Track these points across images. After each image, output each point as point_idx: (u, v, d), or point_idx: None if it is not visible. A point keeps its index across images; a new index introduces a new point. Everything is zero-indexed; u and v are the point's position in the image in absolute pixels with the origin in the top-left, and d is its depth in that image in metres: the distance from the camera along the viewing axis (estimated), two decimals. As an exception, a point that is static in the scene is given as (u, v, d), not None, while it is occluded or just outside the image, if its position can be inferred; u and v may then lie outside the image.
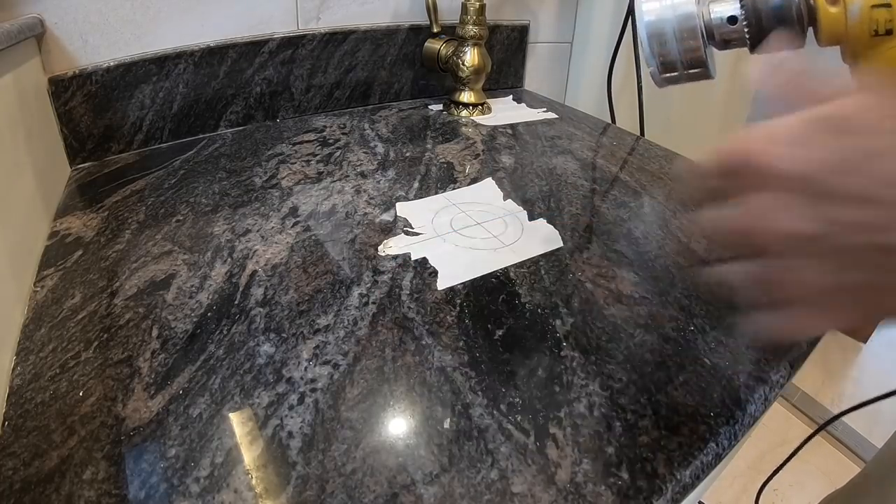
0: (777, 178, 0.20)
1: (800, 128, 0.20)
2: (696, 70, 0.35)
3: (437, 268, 0.41)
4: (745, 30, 0.32)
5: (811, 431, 0.77)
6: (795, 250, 0.20)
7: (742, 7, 0.32)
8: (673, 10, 0.33)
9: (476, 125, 0.72)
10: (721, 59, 0.37)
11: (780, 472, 0.84)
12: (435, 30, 0.76)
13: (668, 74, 0.35)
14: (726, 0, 0.33)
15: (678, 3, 0.33)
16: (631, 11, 0.84)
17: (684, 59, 0.34)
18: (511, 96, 0.87)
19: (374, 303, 0.37)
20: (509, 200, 0.52)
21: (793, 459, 0.82)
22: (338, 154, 0.61)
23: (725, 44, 0.34)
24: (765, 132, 0.21)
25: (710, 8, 0.33)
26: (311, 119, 0.72)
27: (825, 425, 0.74)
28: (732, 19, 0.32)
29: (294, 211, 0.48)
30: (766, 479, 0.87)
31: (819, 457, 1.16)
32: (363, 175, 0.56)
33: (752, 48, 0.33)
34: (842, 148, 0.19)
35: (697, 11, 0.33)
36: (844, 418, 0.76)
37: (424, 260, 0.41)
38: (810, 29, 0.32)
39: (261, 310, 0.36)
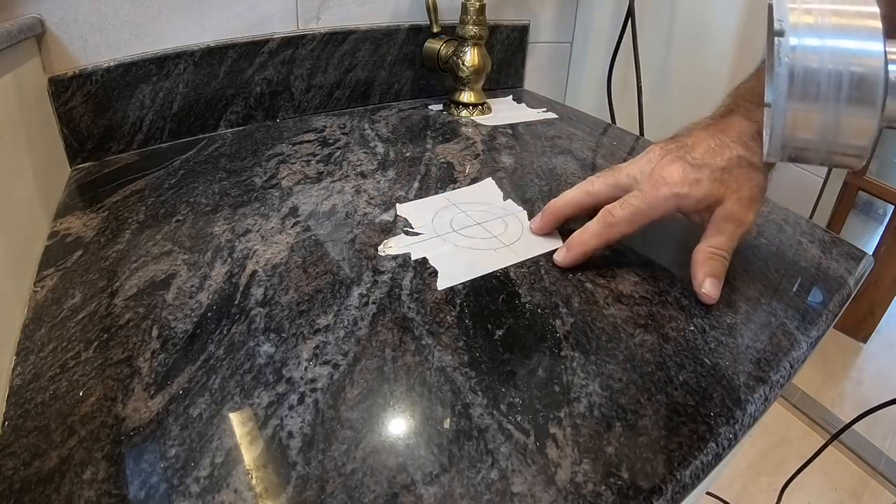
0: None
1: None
2: (838, 165, 0.25)
3: (437, 268, 0.41)
4: None
5: (811, 432, 0.77)
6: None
7: None
8: (840, 102, 0.22)
9: (476, 125, 0.72)
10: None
11: (780, 472, 0.84)
12: (435, 30, 0.76)
13: (782, 156, 0.27)
14: None
15: (857, 90, 0.22)
16: (631, 12, 0.84)
17: (831, 157, 0.24)
18: (511, 96, 0.87)
19: (374, 303, 0.37)
20: (509, 200, 0.52)
21: (793, 460, 0.82)
22: (338, 154, 0.61)
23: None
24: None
25: (892, 69, 0.22)
26: (311, 119, 0.72)
27: (842, 431, 0.74)
28: None
29: (294, 211, 0.48)
30: (784, 480, 0.87)
31: (819, 457, 1.16)
32: (363, 175, 0.56)
33: None
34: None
35: (879, 119, 0.22)
36: (845, 419, 0.76)
37: (424, 260, 0.41)
38: None
39: (261, 310, 0.36)
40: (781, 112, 0.24)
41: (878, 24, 0.22)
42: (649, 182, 0.40)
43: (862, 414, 0.70)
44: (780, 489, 0.91)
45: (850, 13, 0.23)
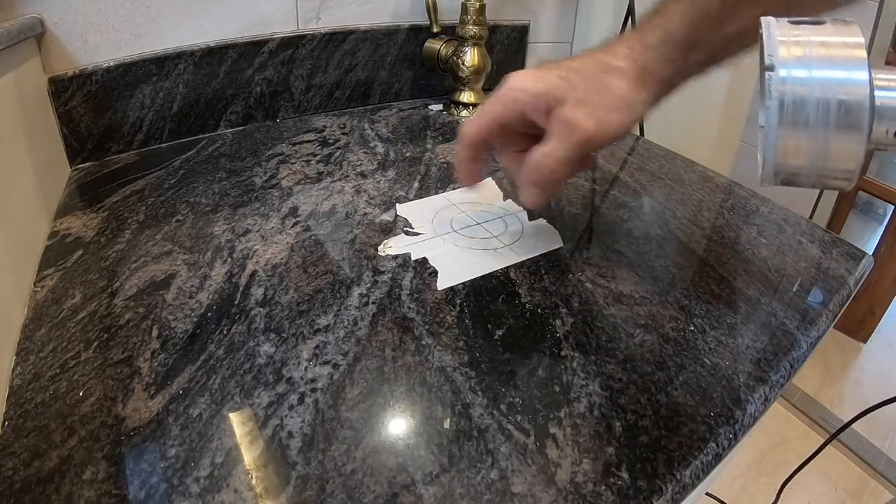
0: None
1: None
2: (829, 187, 0.27)
3: (437, 268, 0.41)
4: None
5: (811, 432, 0.77)
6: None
7: None
8: (828, 129, 0.23)
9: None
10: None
11: (780, 472, 0.84)
12: (435, 30, 0.76)
13: (786, 184, 0.27)
14: None
15: (843, 116, 0.23)
16: (631, 11, 0.84)
17: (822, 181, 0.25)
18: (511, 96, 0.87)
19: (374, 303, 0.37)
20: (509, 200, 0.52)
21: (793, 460, 0.83)
22: (338, 154, 0.61)
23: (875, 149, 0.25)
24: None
25: (878, 95, 0.23)
26: (311, 119, 0.72)
27: (841, 430, 0.74)
28: None
29: (294, 211, 0.48)
30: (783, 480, 0.87)
31: (819, 457, 1.16)
32: (363, 175, 0.56)
33: None
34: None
35: (865, 146, 0.23)
36: (845, 419, 0.76)
37: (424, 260, 0.41)
38: None
39: (261, 310, 0.36)
40: (773, 140, 0.26)
41: (863, 53, 0.24)
42: (500, 87, 0.37)
43: (861, 413, 0.70)
44: (779, 489, 0.91)
45: (836, 44, 0.24)
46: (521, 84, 0.35)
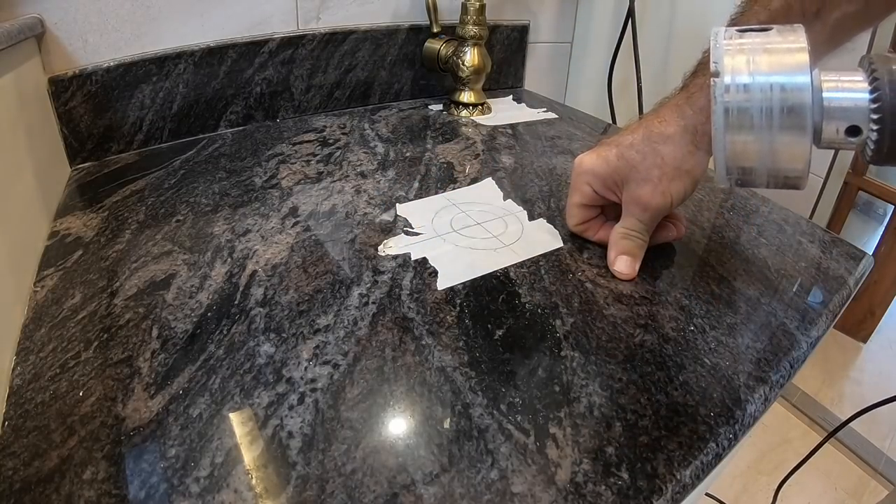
0: None
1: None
2: (783, 186, 0.27)
3: (437, 268, 0.41)
4: (873, 142, 0.23)
5: (811, 432, 0.77)
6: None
7: (876, 108, 0.22)
8: (775, 129, 0.24)
9: (476, 125, 0.72)
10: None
11: (780, 472, 0.84)
12: (435, 30, 0.76)
13: (732, 179, 0.28)
14: (845, 101, 0.23)
15: (789, 118, 0.24)
16: (631, 11, 0.84)
17: (771, 184, 0.26)
18: (511, 96, 0.87)
19: (374, 303, 0.37)
20: (509, 200, 0.52)
21: (793, 460, 0.83)
22: (338, 154, 0.61)
23: (830, 148, 0.26)
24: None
25: (825, 97, 0.24)
26: (311, 119, 0.72)
27: (839, 429, 0.74)
28: (855, 131, 0.24)
29: (294, 211, 0.48)
30: (781, 479, 0.87)
31: (819, 456, 1.16)
32: (363, 175, 0.56)
33: (874, 160, 0.24)
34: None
35: (811, 143, 0.24)
36: (845, 419, 0.76)
37: (424, 260, 0.41)
38: None
39: (261, 310, 0.36)
40: (721, 144, 0.27)
41: (805, 56, 0.24)
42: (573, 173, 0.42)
43: (859, 412, 0.70)
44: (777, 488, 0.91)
45: (780, 50, 0.25)
46: (588, 168, 0.40)
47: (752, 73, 0.25)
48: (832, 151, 0.80)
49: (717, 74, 0.26)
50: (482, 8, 0.71)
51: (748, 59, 0.25)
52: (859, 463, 1.21)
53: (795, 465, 0.82)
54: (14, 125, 0.43)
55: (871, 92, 0.23)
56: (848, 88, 0.24)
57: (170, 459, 0.25)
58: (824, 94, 0.24)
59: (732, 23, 0.39)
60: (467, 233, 0.46)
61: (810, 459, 0.79)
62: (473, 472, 0.25)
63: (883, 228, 1.42)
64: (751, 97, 0.25)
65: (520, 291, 0.38)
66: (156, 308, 0.36)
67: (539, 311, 0.36)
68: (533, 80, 0.94)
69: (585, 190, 0.41)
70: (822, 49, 0.36)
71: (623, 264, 0.39)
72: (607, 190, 0.40)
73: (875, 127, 0.23)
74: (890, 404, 0.66)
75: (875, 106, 0.23)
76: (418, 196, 0.52)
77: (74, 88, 0.55)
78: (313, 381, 0.30)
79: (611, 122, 0.84)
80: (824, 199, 0.80)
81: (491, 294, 0.38)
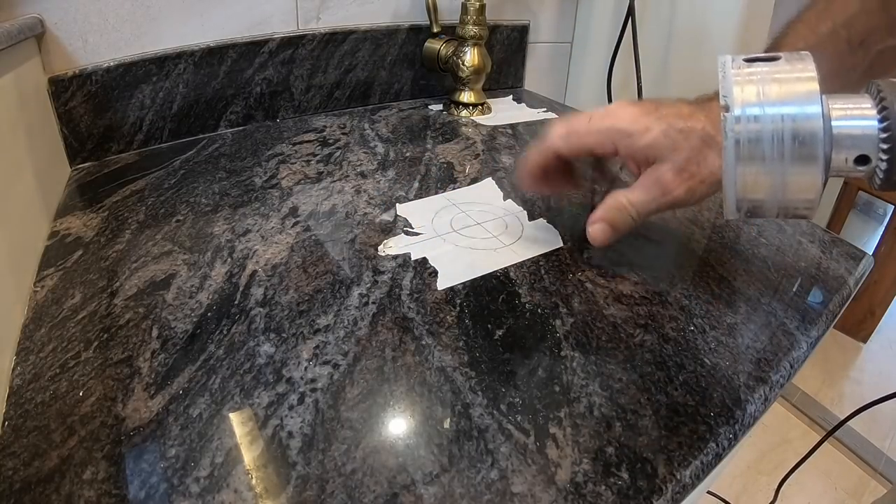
0: None
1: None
2: (792, 217, 0.27)
3: (437, 268, 0.41)
4: (882, 171, 0.23)
5: (811, 432, 0.77)
6: None
7: (885, 138, 0.22)
8: (784, 163, 0.23)
9: (476, 125, 0.72)
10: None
11: (780, 472, 0.84)
12: (435, 30, 0.76)
13: (751, 217, 0.28)
14: (853, 130, 0.23)
15: (799, 152, 0.23)
16: (631, 11, 0.84)
17: (784, 211, 0.26)
18: (511, 96, 0.87)
19: (374, 303, 0.37)
20: (509, 200, 0.52)
21: (793, 460, 0.83)
22: (338, 154, 0.61)
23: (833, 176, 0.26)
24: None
25: (835, 125, 0.23)
26: (311, 119, 0.72)
27: (839, 426, 0.74)
28: (863, 160, 0.23)
29: (294, 211, 0.48)
30: (781, 479, 0.87)
31: (819, 457, 1.16)
32: (363, 175, 0.56)
33: (883, 185, 0.24)
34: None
35: (822, 178, 0.23)
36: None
37: (424, 260, 0.41)
38: None
39: (261, 310, 0.36)
40: (731, 178, 0.26)
41: (815, 85, 0.24)
42: (600, 112, 0.38)
43: (861, 408, 0.70)
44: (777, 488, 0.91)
45: (789, 80, 0.24)
46: (624, 126, 0.36)
47: (762, 104, 0.24)
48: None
49: (726, 108, 0.25)
50: (482, 8, 0.71)
51: (758, 91, 0.25)
52: (859, 463, 1.21)
53: (795, 464, 0.82)
54: (14, 125, 0.43)
55: (881, 121, 0.22)
56: (856, 116, 0.24)
57: (170, 459, 0.25)
58: (833, 123, 0.24)
59: (775, 42, 0.38)
60: (467, 233, 0.46)
61: (811, 459, 0.79)
62: (473, 472, 0.25)
63: (883, 228, 1.42)
64: (762, 128, 0.25)
65: (520, 291, 0.38)
66: (156, 308, 0.36)
67: (539, 311, 0.36)
68: (533, 80, 0.94)
69: (605, 139, 0.37)
70: (858, 78, 0.36)
71: (602, 233, 0.37)
72: (633, 159, 0.37)
73: (885, 157, 0.23)
74: (890, 404, 0.66)
75: (885, 136, 0.22)
76: (418, 196, 0.52)
77: (74, 88, 0.55)
78: (313, 381, 0.30)
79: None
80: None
81: (491, 294, 0.38)
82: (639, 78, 0.86)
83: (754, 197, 0.26)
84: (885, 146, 0.22)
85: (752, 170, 0.26)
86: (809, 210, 0.26)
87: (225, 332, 0.34)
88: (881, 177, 0.23)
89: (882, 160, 0.23)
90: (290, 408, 0.28)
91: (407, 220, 0.47)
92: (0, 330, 0.32)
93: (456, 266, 0.41)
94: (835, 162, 0.24)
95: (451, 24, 0.76)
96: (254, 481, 0.25)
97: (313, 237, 0.44)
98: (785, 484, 0.87)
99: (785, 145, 0.24)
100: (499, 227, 0.47)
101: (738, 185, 0.27)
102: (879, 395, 0.67)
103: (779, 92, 0.24)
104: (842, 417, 0.72)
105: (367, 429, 0.28)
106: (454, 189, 0.54)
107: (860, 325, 1.50)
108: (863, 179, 0.25)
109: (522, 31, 0.88)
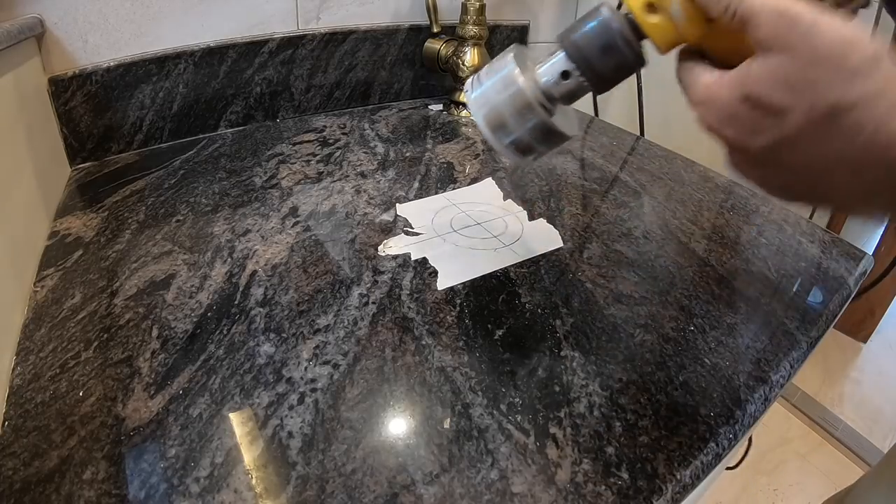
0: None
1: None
2: (551, 139, 0.33)
3: (437, 268, 0.41)
4: (582, 79, 0.30)
5: (811, 432, 0.77)
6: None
7: (569, 58, 0.29)
8: (502, 93, 0.31)
9: (476, 125, 0.72)
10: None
11: (780, 472, 0.84)
12: (435, 30, 0.76)
13: (528, 156, 0.34)
14: (550, 60, 0.30)
15: (504, 83, 0.31)
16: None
17: (534, 136, 0.32)
18: (511, 96, 0.87)
19: (374, 303, 0.37)
20: (509, 200, 0.52)
21: (793, 460, 0.82)
22: (338, 154, 0.61)
23: (571, 98, 0.32)
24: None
25: (538, 73, 0.31)
26: (311, 119, 0.72)
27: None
28: (565, 74, 0.30)
29: (294, 211, 0.48)
30: (781, 479, 0.87)
31: (819, 457, 1.16)
32: (363, 175, 0.56)
33: (599, 90, 0.31)
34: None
35: (525, 84, 0.31)
36: (845, 419, 0.76)
37: (424, 260, 0.41)
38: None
39: (261, 310, 0.36)
40: (493, 141, 0.32)
41: (511, 56, 0.31)
42: None
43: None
44: (779, 489, 0.91)
45: (494, 63, 0.32)
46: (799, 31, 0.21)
47: (481, 83, 0.32)
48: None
49: (468, 98, 0.33)
50: (482, 8, 0.71)
51: (478, 76, 0.32)
52: (859, 463, 1.21)
53: (796, 462, 0.81)
54: (14, 125, 0.43)
55: (563, 50, 0.30)
56: (549, 61, 0.31)
57: (170, 459, 0.25)
58: (537, 70, 0.31)
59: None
60: (467, 233, 0.46)
61: (811, 459, 0.79)
62: (473, 472, 0.25)
63: (883, 228, 1.42)
64: (486, 97, 0.32)
65: (520, 291, 0.38)
66: (156, 308, 0.36)
67: (539, 311, 0.36)
68: (533, 80, 0.94)
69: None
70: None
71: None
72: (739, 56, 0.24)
73: (578, 71, 0.30)
74: (890, 404, 0.66)
75: (570, 56, 0.29)
76: (418, 196, 0.52)
77: (74, 88, 0.55)
78: (313, 381, 0.30)
79: (610, 122, 0.84)
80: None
81: (491, 294, 0.38)
82: (639, 78, 0.86)
83: (504, 134, 0.32)
84: (573, 64, 0.29)
85: (493, 114, 0.32)
86: (539, 123, 0.32)
87: (225, 332, 0.34)
88: (593, 81, 0.30)
89: (577, 72, 0.29)
90: (290, 408, 0.28)
91: (407, 220, 0.47)
92: (0, 330, 0.32)
93: (456, 266, 0.41)
94: (546, 83, 0.31)
95: (451, 24, 0.76)
96: (254, 481, 0.25)
97: (313, 237, 0.44)
98: (785, 484, 0.87)
99: (498, 89, 0.32)
100: (499, 227, 0.47)
101: (488, 126, 0.33)
102: (879, 395, 0.66)
103: (488, 70, 0.32)
104: (842, 417, 0.72)
105: (367, 429, 0.28)
106: (454, 189, 0.54)
107: (860, 325, 1.50)
108: (590, 89, 0.31)
109: (522, 31, 0.88)
